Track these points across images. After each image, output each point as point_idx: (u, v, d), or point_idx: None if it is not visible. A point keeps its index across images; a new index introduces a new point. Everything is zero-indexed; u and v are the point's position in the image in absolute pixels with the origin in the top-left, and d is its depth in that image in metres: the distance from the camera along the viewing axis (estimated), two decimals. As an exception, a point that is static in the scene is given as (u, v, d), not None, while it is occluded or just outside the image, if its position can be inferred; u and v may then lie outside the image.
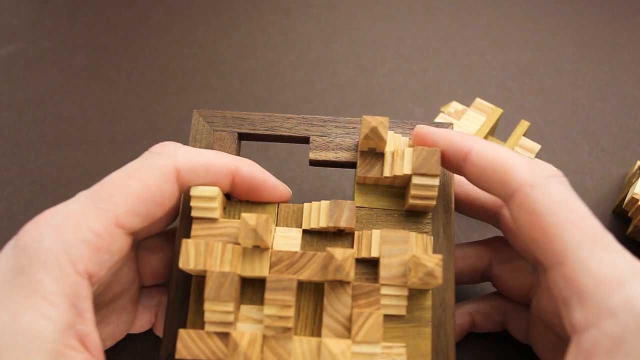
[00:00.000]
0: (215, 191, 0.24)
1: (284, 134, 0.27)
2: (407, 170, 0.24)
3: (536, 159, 0.22)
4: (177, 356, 0.22)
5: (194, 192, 0.23)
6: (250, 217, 0.22)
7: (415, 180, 0.24)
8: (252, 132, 0.27)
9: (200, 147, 0.26)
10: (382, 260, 0.23)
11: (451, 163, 0.24)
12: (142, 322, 0.27)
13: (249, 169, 0.24)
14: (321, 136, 0.27)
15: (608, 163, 0.36)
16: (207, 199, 0.23)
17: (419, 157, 0.23)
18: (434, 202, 0.24)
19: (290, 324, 0.22)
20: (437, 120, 0.33)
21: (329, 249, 0.23)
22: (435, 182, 0.24)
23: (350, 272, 0.23)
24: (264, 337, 0.22)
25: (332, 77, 0.41)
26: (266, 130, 0.27)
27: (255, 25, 0.44)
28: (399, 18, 0.44)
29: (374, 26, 0.44)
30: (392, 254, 0.23)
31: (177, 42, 0.43)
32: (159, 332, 0.27)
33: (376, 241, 0.24)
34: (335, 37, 0.43)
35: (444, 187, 0.26)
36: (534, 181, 0.21)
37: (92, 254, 0.20)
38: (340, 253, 0.23)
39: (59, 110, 0.39)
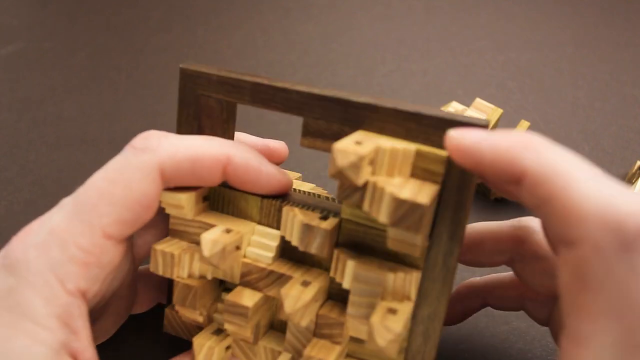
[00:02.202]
0: (182, 200, 0.22)
1: (277, 108, 0.23)
2: (382, 219, 0.19)
3: (629, 191, 0.16)
4: (164, 330, 0.24)
5: (163, 198, 0.22)
6: (205, 244, 0.21)
7: (392, 233, 0.20)
8: (240, 101, 0.23)
9: (188, 113, 0.24)
10: (351, 298, 0.20)
11: (499, 186, 0.20)
12: (145, 301, 0.26)
13: (242, 158, 0.21)
14: (317, 119, 0.22)
15: (608, 163, 0.36)
16: (176, 207, 0.22)
17: (399, 209, 0.18)
18: (417, 254, 0.20)
19: (248, 335, 0.23)
20: None
21: (282, 292, 0.20)
22: (417, 240, 0.19)
23: (301, 321, 0.20)
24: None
25: (332, 77, 0.41)
26: (255, 102, 0.23)
27: (255, 25, 0.44)
28: (399, 18, 0.44)
29: (374, 26, 0.44)
30: (362, 294, 0.20)
31: (177, 42, 0.43)
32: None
33: (349, 274, 0.21)
34: (335, 37, 0.43)
35: (455, 211, 0.20)
36: (605, 245, 0.15)
37: (82, 270, 0.19)
38: (291, 304, 0.20)
39: (59, 110, 0.39)
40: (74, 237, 0.20)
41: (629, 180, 0.34)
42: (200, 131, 0.24)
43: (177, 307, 0.23)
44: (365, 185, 0.19)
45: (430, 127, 0.20)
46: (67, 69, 0.42)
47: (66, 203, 0.21)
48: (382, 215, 0.19)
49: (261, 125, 0.37)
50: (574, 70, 0.41)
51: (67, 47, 0.43)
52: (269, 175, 0.22)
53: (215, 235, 0.21)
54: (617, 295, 0.15)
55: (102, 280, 0.21)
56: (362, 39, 0.43)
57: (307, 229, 0.21)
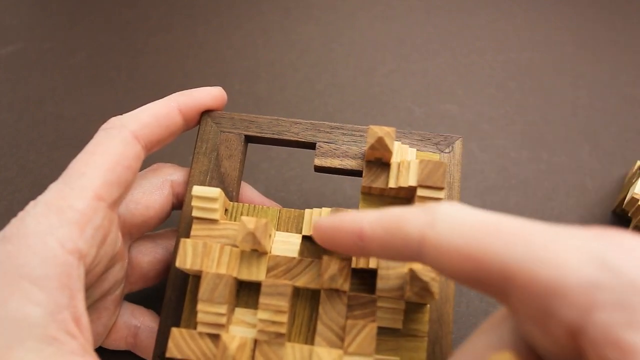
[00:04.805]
0: (216, 192, 0.24)
1: (291, 138, 0.27)
2: (412, 182, 0.23)
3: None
4: (167, 354, 0.22)
5: (196, 191, 0.24)
6: (249, 221, 0.23)
7: (420, 192, 0.23)
8: (258, 135, 0.27)
9: (206, 147, 0.27)
10: (379, 272, 0.23)
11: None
12: (118, 336, 0.26)
13: (186, 94, 0.26)
14: (328, 143, 0.26)
15: (608, 163, 0.36)
16: (208, 200, 0.24)
17: (425, 169, 0.23)
18: None
19: (283, 329, 0.22)
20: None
21: (326, 257, 0.23)
22: (441, 195, 0.23)
23: (344, 282, 0.23)
24: (257, 341, 0.22)
25: (332, 77, 0.41)
26: (273, 134, 0.27)
27: (255, 25, 0.44)
28: (399, 18, 0.44)
29: (374, 26, 0.44)
30: (390, 266, 0.23)
31: (177, 42, 0.43)
32: (141, 353, 0.27)
33: None
34: (335, 37, 0.43)
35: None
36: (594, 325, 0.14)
37: (79, 230, 0.20)
38: (336, 263, 0.22)
39: (59, 110, 0.39)
40: (69, 202, 0.21)
41: (629, 180, 0.34)
42: (218, 161, 0.27)
43: (199, 306, 0.22)
44: (389, 167, 0.24)
45: (421, 138, 0.27)
46: (67, 69, 0.42)
47: (55, 184, 0.22)
48: (412, 179, 0.23)
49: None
50: (574, 70, 0.41)
51: (67, 47, 0.43)
52: (209, 91, 0.27)
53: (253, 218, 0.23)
54: None
55: (97, 246, 0.21)
56: (362, 39, 0.43)
57: (336, 211, 0.24)
